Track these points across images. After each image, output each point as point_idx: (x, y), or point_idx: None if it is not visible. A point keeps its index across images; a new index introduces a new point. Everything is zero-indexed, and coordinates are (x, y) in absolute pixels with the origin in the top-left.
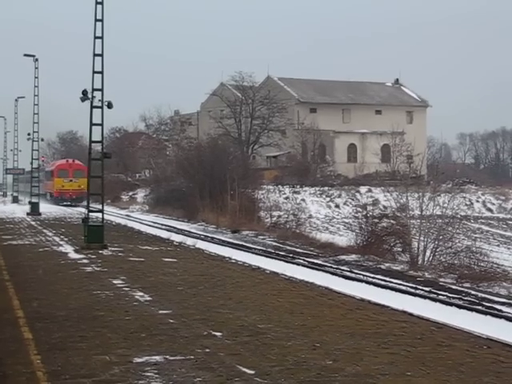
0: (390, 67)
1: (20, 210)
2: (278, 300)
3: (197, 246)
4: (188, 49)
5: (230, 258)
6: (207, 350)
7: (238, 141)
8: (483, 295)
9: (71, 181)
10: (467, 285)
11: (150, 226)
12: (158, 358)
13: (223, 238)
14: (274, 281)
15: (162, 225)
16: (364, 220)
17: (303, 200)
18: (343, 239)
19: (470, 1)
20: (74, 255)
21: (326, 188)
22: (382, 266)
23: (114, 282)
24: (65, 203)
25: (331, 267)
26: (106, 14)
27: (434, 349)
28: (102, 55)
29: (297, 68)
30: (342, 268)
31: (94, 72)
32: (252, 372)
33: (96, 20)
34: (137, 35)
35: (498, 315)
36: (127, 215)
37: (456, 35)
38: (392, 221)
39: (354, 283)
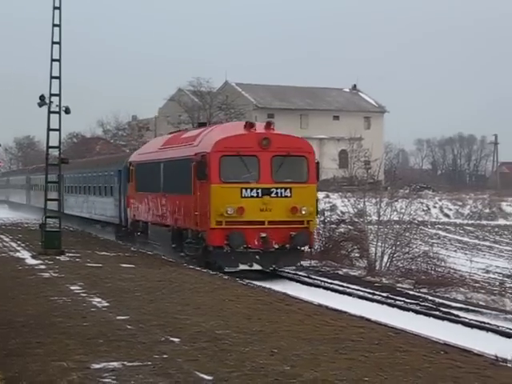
0: (346, 74)
1: None
2: (235, 306)
3: (155, 251)
4: (146, 55)
5: (188, 264)
6: (165, 356)
7: None
8: (440, 301)
9: (271, 193)
10: (424, 290)
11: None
12: (115, 364)
13: None
14: (232, 286)
15: None
16: (322, 225)
17: None
18: None
19: (415, 5)
20: (31, 261)
21: None
22: (340, 272)
23: (72, 287)
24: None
25: (289, 273)
26: (65, 17)
27: (391, 354)
28: (59, 60)
29: (254, 76)
30: (300, 273)
31: (52, 77)
32: (210, 378)
33: (54, 25)
34: (96, 39)
35: (455, 320)
36: None
37: (410, 41)
38: (349, 226)
39: (312, 289)
